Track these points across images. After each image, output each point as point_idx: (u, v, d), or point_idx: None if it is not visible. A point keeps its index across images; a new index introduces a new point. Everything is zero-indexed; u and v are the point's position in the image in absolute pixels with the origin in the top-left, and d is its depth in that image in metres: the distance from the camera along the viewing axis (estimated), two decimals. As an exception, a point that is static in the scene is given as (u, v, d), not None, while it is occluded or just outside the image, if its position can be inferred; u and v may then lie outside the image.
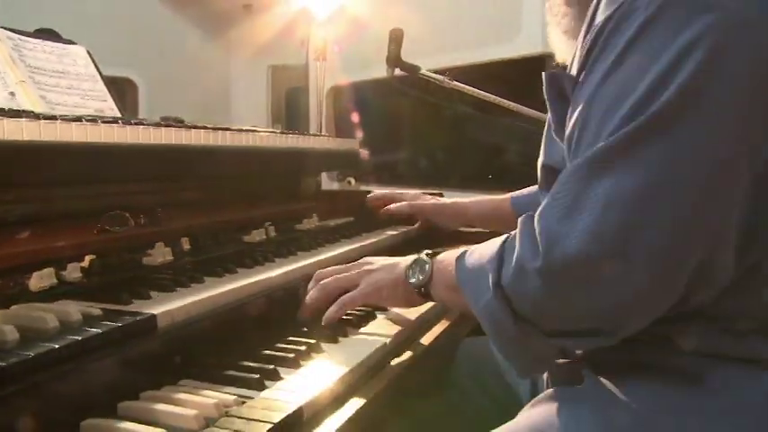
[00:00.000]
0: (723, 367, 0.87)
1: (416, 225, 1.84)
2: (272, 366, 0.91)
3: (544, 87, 0.99)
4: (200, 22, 8.94)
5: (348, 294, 1.14)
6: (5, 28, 1.88)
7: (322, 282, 1.17)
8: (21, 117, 1.02)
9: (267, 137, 1.64)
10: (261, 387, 0.86)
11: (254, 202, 1.66)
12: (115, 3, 7.92)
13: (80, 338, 0.77)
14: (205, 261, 1.23)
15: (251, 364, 0.93)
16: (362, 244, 1.55)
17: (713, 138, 0.79)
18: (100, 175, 1.23)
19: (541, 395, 0.98)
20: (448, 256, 1.06)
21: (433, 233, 1.85)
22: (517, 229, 0.90)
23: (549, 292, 0.84)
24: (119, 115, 1.94)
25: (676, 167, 0.78)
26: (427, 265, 1.07)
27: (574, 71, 0.93)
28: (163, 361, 0.89)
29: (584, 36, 0.93)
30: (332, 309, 1.12)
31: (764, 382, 0.85)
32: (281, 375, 0.90)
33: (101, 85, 2.03)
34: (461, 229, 1.97)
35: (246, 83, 10.09)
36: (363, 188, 2.19)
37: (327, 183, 8.21)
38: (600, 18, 0.87)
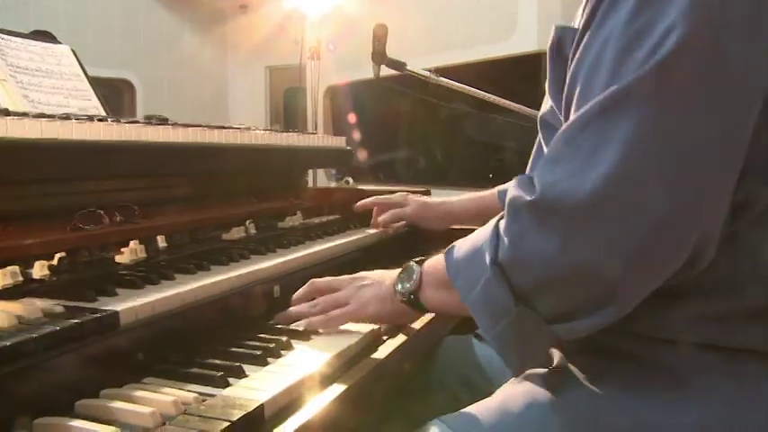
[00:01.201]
0: (705, 361, 0.86)
1: (402, 223, 1.82)
2: (237, 364, 0.89)
3: (548, 44, 0.98)
4: (198, 24, 8.96)
5: (337, 311, 1.11)
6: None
7: (314, 302, 1.14)
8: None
9: (248, 134, 1.62)
10: (224, 384, 0.84)
11: (235, 200, 1.65)
12: (113, 5, 7.94)
13: (35, 336, 0.75)
14: (179, 259, 1.21)
15: (216, 361, 0.91)
16: (345, 241, 1.53)
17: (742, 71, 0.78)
18: (75, 173, 1.22)
19: (510, 380, 0.98)
20: (434, 258, 1.04)
21: (417, 231, 1.84)
22: (508, 192, 0.89)
23: (545, 229, 0.82)
24: (102, 110, 1.94)
25: (708, 100, 0.77)
26: (415, 273, 1.05)
27: (577, 24, 0.91)
28: (125, 359, 0.88)
29: None
30: (318, 318, 1.10)
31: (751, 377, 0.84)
32: (247, 372, 0.88)
33: (85, 84, 2.02)
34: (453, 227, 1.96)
35: (244, 84, 10.12)
36: (361, 187, 2.16)
37: (325, 182, 8.22)
38: None
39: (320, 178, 7.86)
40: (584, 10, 0.89)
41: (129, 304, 0.90)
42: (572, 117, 0.83)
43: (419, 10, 5.33)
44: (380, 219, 1.72)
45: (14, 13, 6.05)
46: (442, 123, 6.48)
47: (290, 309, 1.14)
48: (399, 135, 7.03)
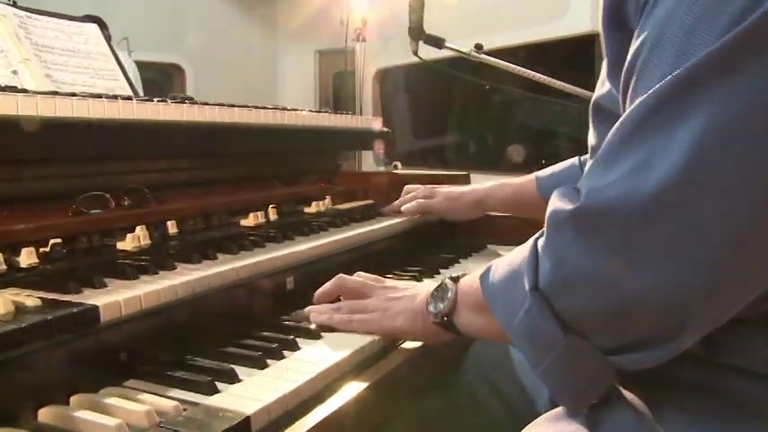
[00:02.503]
0: None
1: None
2: (229, 366, 0.80)
3: (601, 18, 0.80)
4: (247, 7, 8.94)
5: (361, 316, 0.99)
6: (20, 7, 1.82)
7: (337, 305, 1.03)
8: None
9: (274, 114, 1.53)
10: (211, 391, 0.75)
11: (258, 183, 1.55)
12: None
13: (-9, 334, 0.67)
14: (186, 246, 1.12)
15: (206, 363, 0.82)
16: (371, 228, 1.42)
17: None
18: (79, 154, 1.14)
19: (545, 415, 0.81)
20: (472, 275, 0.90)
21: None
22: (549, 203, 0.75)
23: (593, 245, 0.68)
24: (130, 91, 1.87)
25: None
26: (450, 292, 0.91)
27: None
28: (106, 359, 0.78)
29: None
30: (341, 317, 0.99)
31: None
32: (240, 377, 0.79)
33: (113, 64, 1.95)
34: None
35: (293, 68, 10.09)
36: (398, 172, 2.05)
37: (373, 167, 8.10)
38: None
39: (369, 163, 7.78)
40: None
41: (113, 298, 0.81)
42: (628, 108, 0.68)
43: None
44: (404, 208, 1.60)
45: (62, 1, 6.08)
46: (493, 107, 6.33)
47: (310, 308, 1.03)
48: (449, 119, 6.90)
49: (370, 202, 1.82)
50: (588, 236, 0.68)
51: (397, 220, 1.57)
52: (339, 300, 1.05)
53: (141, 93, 6.25)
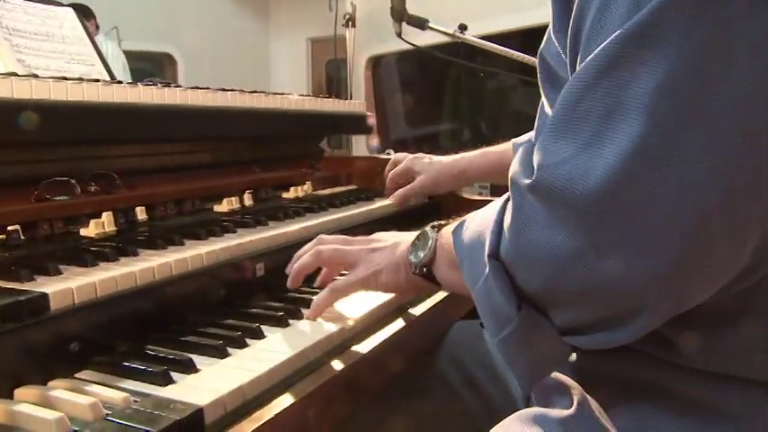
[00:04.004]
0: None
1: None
2: (188, 356, 0.76)
3: None
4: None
5: (342, 279, 0.97)
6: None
7: (318, 247, 1.01)
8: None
9: (249, 97, 1.48)
10: (165, 381, 0.71)
11: (237, 168, 1.51)
12: (154, -21, 7.86)
13: None
14: (154, 232, 1.08)
15: (162, 353, 0.78)
16: (350, 213, 1.39)
17: None
18: (47, 138, 1.10)
19: (516, 414, 0.76)
20: (452, 225, 0.85)
21: (434, 202, 1.69)
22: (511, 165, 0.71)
23: (554, 220, 0.62)
24: (107, 76, 1.82)
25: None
26: (430, 240, 0.88)
27: None
28: (56, 349, 0.75)
29: None
30: (321, 295, 0.95)
31: None
32: (198, 367, 0.75)
33: (89, 48, 1.90)
34: (473, 197, 1.80)
35: (286, 56, 10.05)
36: (383, 156, 2.02)
37: (366, 155, 8.10)
38: None
39: (362, 150, 7.76)
40: None
41: (66, 285, 0.77)
42: (578, 69, 0.62)
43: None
44: (391, 198, 1.57)
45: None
46: (487, 93, 6.30)
47: (292, 267, 1.01)
48: (443, 106, 6.87)
49: (352, 187, 1.79)
50: (546, 211, 0.63)
51: (379, 204, 1.53)
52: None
53: (129, 75, 6.16)
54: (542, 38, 0.79)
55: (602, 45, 0.59)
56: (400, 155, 1.71)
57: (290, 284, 1.01)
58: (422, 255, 0.88)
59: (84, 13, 5.47)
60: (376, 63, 7.23)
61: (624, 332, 0.63)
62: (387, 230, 1.06)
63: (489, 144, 1.57)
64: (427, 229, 0.89)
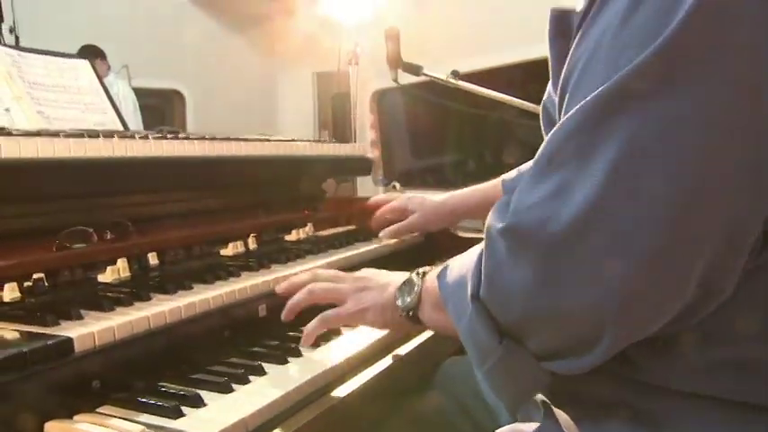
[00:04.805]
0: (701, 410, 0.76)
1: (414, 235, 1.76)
2: (196, 391, 0.86)
3: (548, 28, 0.85)
4: (244, 31, 9.03)
5: (332, 311, 1.07)
6: (11, 46, 1.89)
7: (310, 286, 1.11)
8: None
9: (253, 145, 1.59)
10: (176, 415, 0.81)
11: (240, 213, 1.61)
12: (162, 20, 8.09)
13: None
14: (164, 277, 1.18)
15: (175, 389, 0.88)
16: (348, 254, 1.49)
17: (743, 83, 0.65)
18: (64, 191, 1.21)
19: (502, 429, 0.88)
20: (435, 271, 0.96)
21: (430, 241, 1.78)
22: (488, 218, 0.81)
23: (522, 261, 0.73)
24: (119, 125, 1.94)
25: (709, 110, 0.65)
26: (416, 286, 0.98)
27: (580, 7, 0.77)
28: (79, 387, 0.84)
29: None
30: (312, 324, 1.06)
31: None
32: (206, 402, 0.85)
33: (103, 98, 2.02)
34: (468, 235, 1.89)
35: (292, 90, 10.17)
36: (410, 193, 2.11)
37: (373, 188, 8.20)
38: None
39: (368, 183, 7.85)
40: None
41: (88, 329, 0.87)
42: (558, 124, 0.73)
43: (458, 14, 5.27)
44: (382, 233, 1.67)
45: (66, 29, 6.21)
46: (490, 126, 6.39)
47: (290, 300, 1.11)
48: (448, 138, 6.96)
49: (351, 227, 1.88)
50: (516, 252, 0.74)
51: (375, 245, 1.63)
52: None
53: (140, 119, 6.31)
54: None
55: (578, 105, 0.70)
56: (394, 194, 1.81)
57: (284, 318, 1.11)
58: (408, 299, 0.98)
59: (97, 54, 5.65)
60: (381, 96, 7.37)
61: (590, 357, 0.73)
62: (389, 268, 1.15)
63: (495, 174, 1.64)
64: (413, 276, 0.99)
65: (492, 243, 0.77)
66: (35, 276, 1.06)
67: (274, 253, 1.41)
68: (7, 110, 1.68)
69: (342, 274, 1.13)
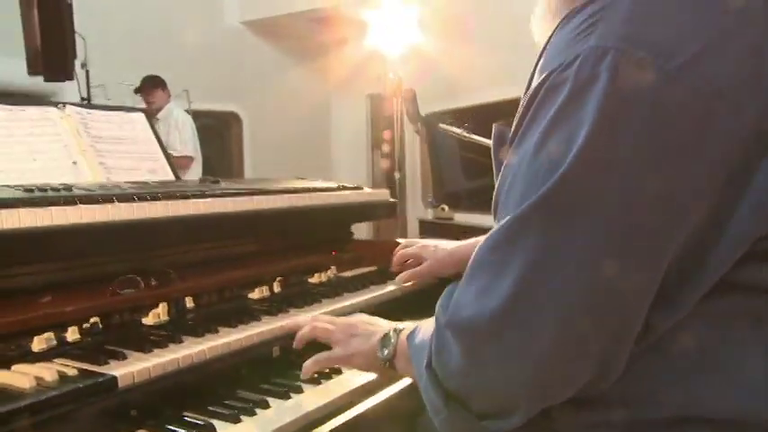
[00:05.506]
0: None
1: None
2: (210, 421, 1.09)
3: (492, 141, 1.05)
4: (301, 57, 9.34)
5: (324, 354, 1.28)
6: (81, 105, 2.18)
7: (313, 323, 1.32)
8: (43, 205, 1.27)
9: (284, 198, 1.83)
10: (194, 441, 1.04)
11: (272, 255, 1.85)
12: (220, 46, 8.44)
13: (34, 401, 0.98)
14: (196, 320, 1.42)
15: (195, 418, 1.11)
16: (361, 299, 1.70)
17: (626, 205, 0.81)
18: (118, 246, 1.46)
19: None
20: (408, 329, 1.16)
21: (442, 284, 1.98)
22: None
23: (455, 347, 0.92)
24: (170, 173, 2.21)
25: (590, 237, 0.82)
26: (392, 341, 1.18)
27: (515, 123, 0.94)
28: (121, 415, 1.08)
29: (527, 88, 0.94)
30: (307, 363, 1.28)
31: None
32: (218, 430, 1.08)
33: (155, 147, 2.29)
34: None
35: (346, 112, 10.39)
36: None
37: (422, 210, 8.38)
38: (536, 80, 0.90)
39: (418, 205, 8.05)
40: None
41: (129, 369, 1.12)
42: (489, 234, 0.92)
43: (489, 48, 5.46)
44: (398, 279, 1.87)
45: (132, 59, 6.60)
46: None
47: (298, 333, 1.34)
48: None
49: (373, 268, 2.09)
50: (452, 340, 0.94)
51: (388, 289, 1.84)
52: None
53: (197, 142, 6.61)
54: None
55: (501, 221, 0.89)
56: (411, 241, 2.01)
57: (296, 346, 1.33)
58: (386, 352, 1.19)
59: (157, 84, 5.99)
60: (429, 120, 7.57)
61: (515, 418, 0.93)
62: (398, 311, 1.36)
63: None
64: (391, 332, 1.20)
65: (438, 327, 0.98)
66: (92, 320, 1.31)
67: (295, 297, 1.64)
68: (75, 163, 1.96)
69: (337, 319, 1.34)
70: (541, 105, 0.86)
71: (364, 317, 1.35)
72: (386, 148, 6.95)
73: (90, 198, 1.41)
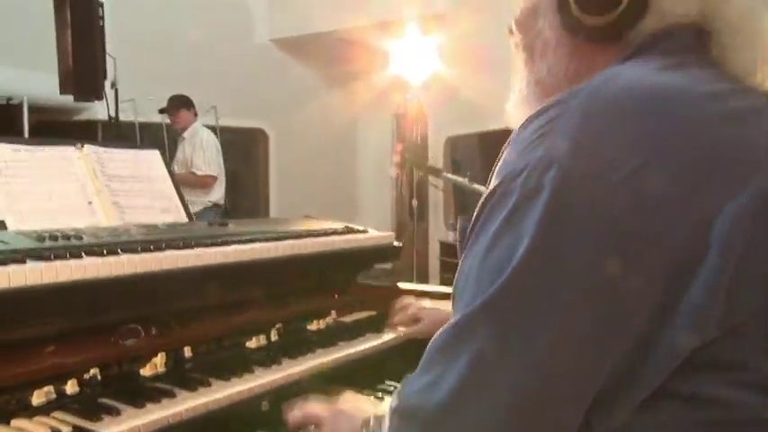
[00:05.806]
0: None
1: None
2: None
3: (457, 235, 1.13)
4: (329, 80, 9.45)
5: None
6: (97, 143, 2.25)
7: (305, 409, 1.36)
8: (49, 259, 1.35)
9: (286, 246, 1.89)
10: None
11: (273, 301, 1.91)
12: (248, 63, 8.57)
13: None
14: (194, 370, 1.49)
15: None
16: (352, 351, 1.76)
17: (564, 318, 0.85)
18: (121, 297, 1.53)
19: None
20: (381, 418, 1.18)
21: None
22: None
23: None
24: (182, 211, 2.29)
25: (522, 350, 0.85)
26: (371, 425, 1.19)
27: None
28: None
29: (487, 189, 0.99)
30: (297, 412, 1.34)
31: None
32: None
33: (169, 185, 2.38)
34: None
35: (372, 131, 10.48)
36: (412, 287, 2.38)
37: (444, 231, 8.43)
38: (493, 181, 0.93)
39: (440, 226, 8.10)
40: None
41: (121, 427, 1.19)
42: (440, 329, 0.96)
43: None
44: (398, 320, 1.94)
45: (161, 77, 6.75)
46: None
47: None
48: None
49: (373, 313, 2.15)
50: (401, 427, 0.99)
51: (386, 338, 1.90)
52: None
53: (221, 160, 6.75)
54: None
55: (451, 319, 0.94)
56: (408, 300, 2.08)
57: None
58: None
59: (183, 104, 6.12)
60: (453, 143, 7.66)
61: None
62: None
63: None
64: (372, 418, 1.22)
65: (390, 415, 1.03)
66: (92, 372, 1.38)
67: (290, 346, 1.70)
68: (90, 203, 2.05)
69: (326, 406, 1.37)
70: (494, 209, 0.91)
71: (352, 400, 1.39)
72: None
73: (95, 250, 1.48)
